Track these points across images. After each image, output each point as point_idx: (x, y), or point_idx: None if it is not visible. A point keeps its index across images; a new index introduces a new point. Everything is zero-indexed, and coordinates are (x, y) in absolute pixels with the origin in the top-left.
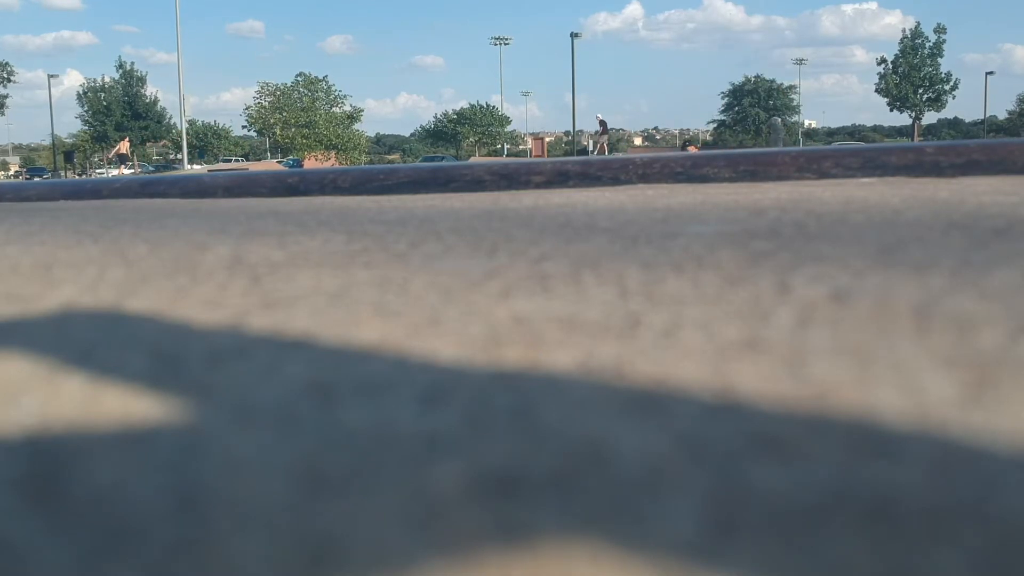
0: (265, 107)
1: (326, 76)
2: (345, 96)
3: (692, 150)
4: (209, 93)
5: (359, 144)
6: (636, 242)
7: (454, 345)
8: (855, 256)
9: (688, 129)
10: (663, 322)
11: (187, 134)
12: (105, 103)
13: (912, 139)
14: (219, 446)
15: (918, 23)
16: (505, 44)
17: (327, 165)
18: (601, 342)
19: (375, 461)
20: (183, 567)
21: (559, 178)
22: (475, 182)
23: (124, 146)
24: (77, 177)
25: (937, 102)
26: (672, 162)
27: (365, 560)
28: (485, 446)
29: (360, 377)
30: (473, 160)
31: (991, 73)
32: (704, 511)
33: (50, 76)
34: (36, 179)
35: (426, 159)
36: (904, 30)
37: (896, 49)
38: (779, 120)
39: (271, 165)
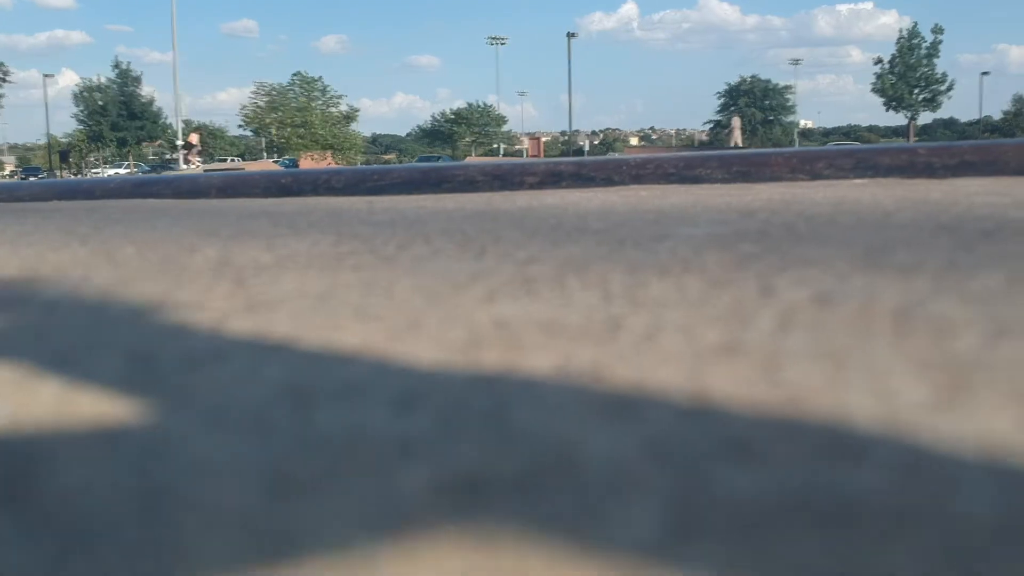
0: (261, 107)
1: (320, 77)
2: (341, 96)
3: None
4: (204, 93)
5: (355, 144)
6: (624, 244)
7: (433, 349)
8: (841, 259)
9: (684, 129)
10: (643, 326)
11: (183, 134)
12: (101, 103)
13: (908, 139)
14: (192, 450)
15: (915, 23)
16: (501, 44)
17: (321, 165)
18: (580, 346)
19: (347, 465)
20: (152, 568)
21: (552, 179)
22: (468, 183)
23: (194, 138)
24: (73, 177)
25: (933, 102)
26: (666, 163)
27: (333, 561)
28: (457, 450)
29: (336, 381)
30: (468, 160)
31: (986, 73)
32: (672, 514)
33: (45, 76)
34: (31, 179)
35: (422, 159)
36: (901, 30)
37: (892, 49)
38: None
39: (267, 165)
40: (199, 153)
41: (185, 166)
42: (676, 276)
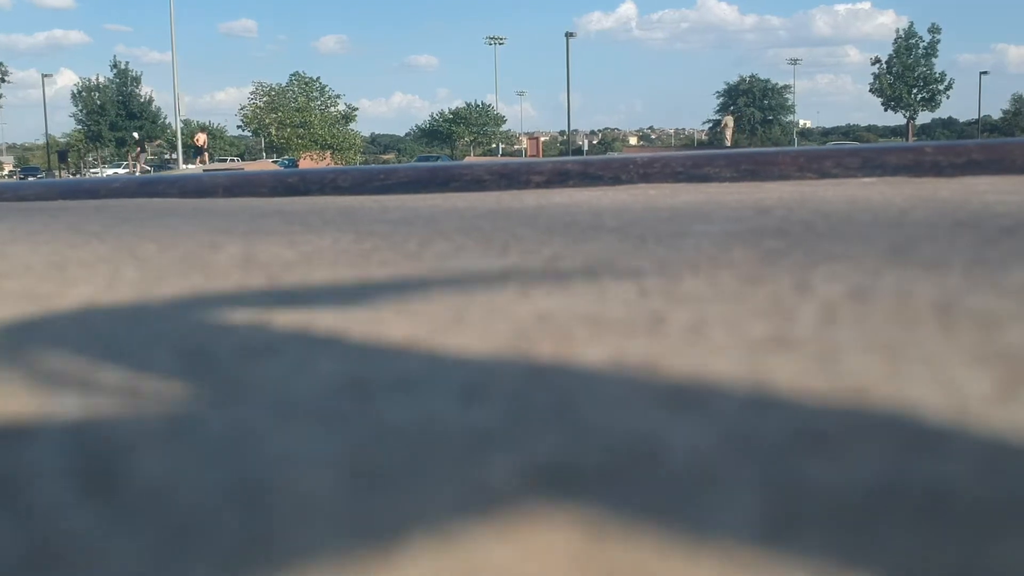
0: (260, 107)
1: (318, 77)
2: (339, 96)
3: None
4: (203, 92)
5: (354, 144)
6: (646, 241)
7: (484, 342)
8: (869, 255)
9: (684, 129)
10: (689, 320)
11: (182, 134)
12: (99, 102)
13: (907, 139)
14: (268, 442)
15: (912, 23)
16: (500, 44)
17: (320, 165)
18: (630, 339)
19: (423, 457)
20: (237, 559)
21: (559, 178)
22: (475, 182)
23: (201, 138)
24: (72, 177)
25: (931, 102)
26: (673, 162)
27: (437, 548)
28: (534, 442)
29: (396, 374)
30: (467, 160)
31: (985, 73)
32: (759, 505)
33: (44, 76)
34: (30, 179)
35: (421, 159)
36: (898, 30)
37: (890, 49)
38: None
39: (266, 165)
40: (201, 154)
41: (133, 168)
42: (708, 271)
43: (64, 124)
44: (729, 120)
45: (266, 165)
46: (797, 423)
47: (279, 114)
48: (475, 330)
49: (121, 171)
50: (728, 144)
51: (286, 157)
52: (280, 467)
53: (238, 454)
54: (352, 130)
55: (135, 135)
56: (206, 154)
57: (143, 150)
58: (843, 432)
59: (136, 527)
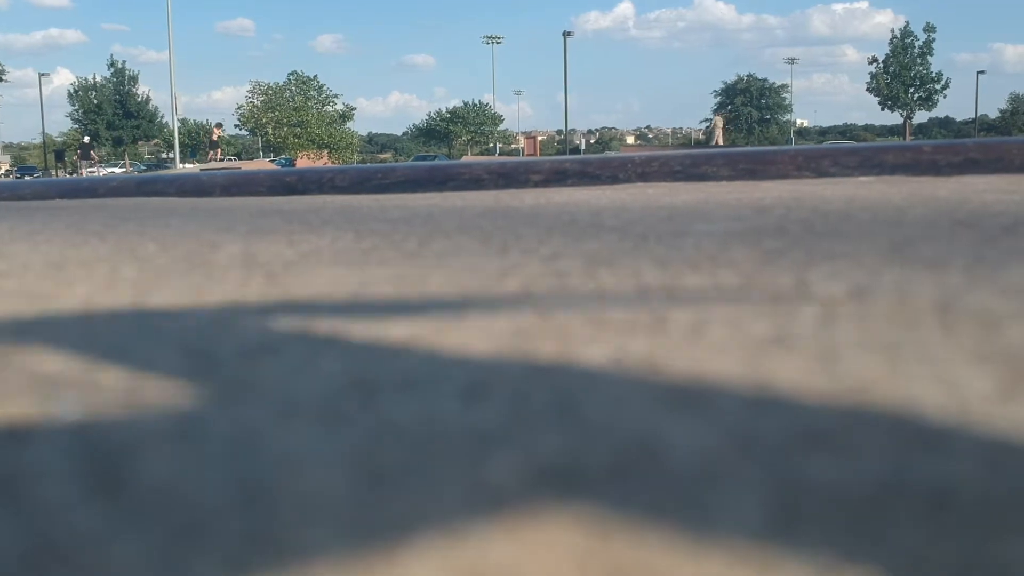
0: (257, 106)
1: (315, 76)
2: (337, 95)
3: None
4: (200, 92)
5: (351, 143)
6: (646, 240)
7: (486, 341)
8: (868, 254)
9: (681, 128)
10: (690, 319)
11: (179, 133)
12: (96, 102)
13: (904, 138)
14: (271, 442)
15: (908, 22)
16: (497, 43)
17: (317, 164)
18: (632, 338)
19: (428, 456)
20: (242, 559)
21: (557, 177)
22: (473, 181)
23: (216, 132)
24: (68, 176)
25: (928, 101)
26: (671, 161)
27: (442, 544)
28: (536, 441)
29: (397, 373)
30: (465, 159)
31: (982, 72)
32: (764, 504)
33: (41, 75)
34: (27, 178)
35: (418, 158)
36: (893, 30)
37: (887, 48)
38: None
39: (264, 164)
40: (217, 148)
41: (84, 170)
42: (708, 271)
43: (61, 123)
44: (719, 120)
45: (263, 164)
46: (799, 422)
47: (276, 113)
48: (476, 329)
49: (118, 171)
50: (720, 144)
51: (283, 156)
52: (284, 467)
53: (239, 454)
54: (349, 129)
55: (85, 140)
56: (220, 148)
57: (84, 157)
58: (845, 431)
59: (139, 529)
